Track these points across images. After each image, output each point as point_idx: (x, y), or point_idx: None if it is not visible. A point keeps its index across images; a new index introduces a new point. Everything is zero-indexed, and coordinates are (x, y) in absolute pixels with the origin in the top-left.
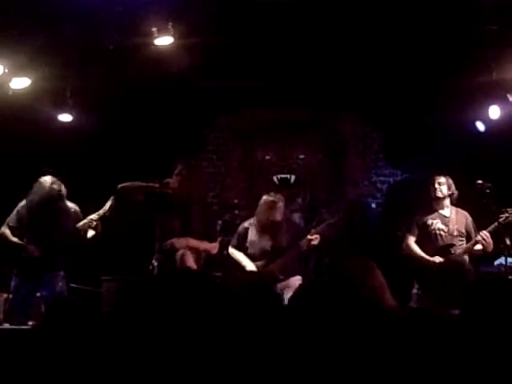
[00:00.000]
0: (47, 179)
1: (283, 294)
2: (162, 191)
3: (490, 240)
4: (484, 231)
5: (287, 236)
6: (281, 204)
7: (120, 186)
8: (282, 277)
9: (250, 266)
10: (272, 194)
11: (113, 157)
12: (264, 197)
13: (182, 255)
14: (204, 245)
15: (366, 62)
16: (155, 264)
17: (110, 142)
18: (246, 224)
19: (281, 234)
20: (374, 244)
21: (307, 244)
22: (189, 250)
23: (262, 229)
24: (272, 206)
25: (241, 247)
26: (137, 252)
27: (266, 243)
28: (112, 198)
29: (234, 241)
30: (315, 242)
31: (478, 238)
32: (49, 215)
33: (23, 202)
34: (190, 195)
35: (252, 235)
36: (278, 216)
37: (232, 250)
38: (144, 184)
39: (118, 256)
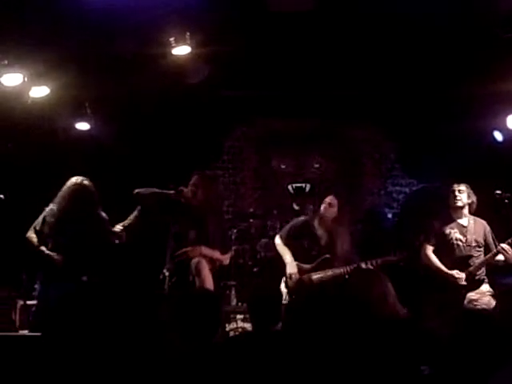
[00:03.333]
0: (78, 179)
1: None
2: (176, 199)
3: (511, 251)
4: (503, 244)
5: (346, 247)
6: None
7: (135, 191)
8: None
9: (291, 266)
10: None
11: (130, 166)
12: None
13: (198, 263)
14: (217, 254)
15: (381, 72)
16: (166, 274)
17: (127, 151)
18: (303, 218)
19: (339, 241)
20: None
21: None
22: (203, 258)
23: (323, 228)
24: (331, 204)
25: (289, 240)
26: (148, 261)
27: (322, 246)
28: (138, 208)
29: (284, 231)
30: None
31: (499, 248)
32: (80, 218)
33: (50, 206)
34: (205, 206)
35: (313, 231)
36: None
37: (278, 241)
38: (159, 191)
39: (130, 265)
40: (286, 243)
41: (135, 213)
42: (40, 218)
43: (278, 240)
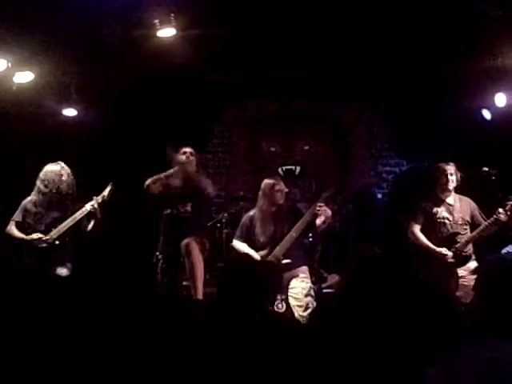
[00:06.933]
0: (56, 166)
1: (289, 283)
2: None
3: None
4: (500, 209)
5: (289, 222)
6: (281, 186)
7: (145, 185)
8: (288, 260)
9: (254, 256)
10: (272, 177)
11: (117, 151)
12: (264, 181)
13: (187, 244)
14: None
15: (370, 52)
16: (159, 257)
17: (114, 136)
18: (250, 213)
19: (283, 220)
20: (380, 234)
21: (311, 217)
22: (194, 240)
23: (265, 216)
24: (272, 188)
25: (245, 238)
26: (140, 245)
27: (270, 230)
28: (110, 183)
29: (238, 232)
30: (321, 213)
31: (498, 215)
32: (60, 205)
33: (30, 197)
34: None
35: (257, 224)
36: (280, 199)
37: (235, 242)
38: (163, 174)
39: (122, 249)
40: (244, 242)
41: (109, 187)
42: (18, 210)
43: (235, 242)
